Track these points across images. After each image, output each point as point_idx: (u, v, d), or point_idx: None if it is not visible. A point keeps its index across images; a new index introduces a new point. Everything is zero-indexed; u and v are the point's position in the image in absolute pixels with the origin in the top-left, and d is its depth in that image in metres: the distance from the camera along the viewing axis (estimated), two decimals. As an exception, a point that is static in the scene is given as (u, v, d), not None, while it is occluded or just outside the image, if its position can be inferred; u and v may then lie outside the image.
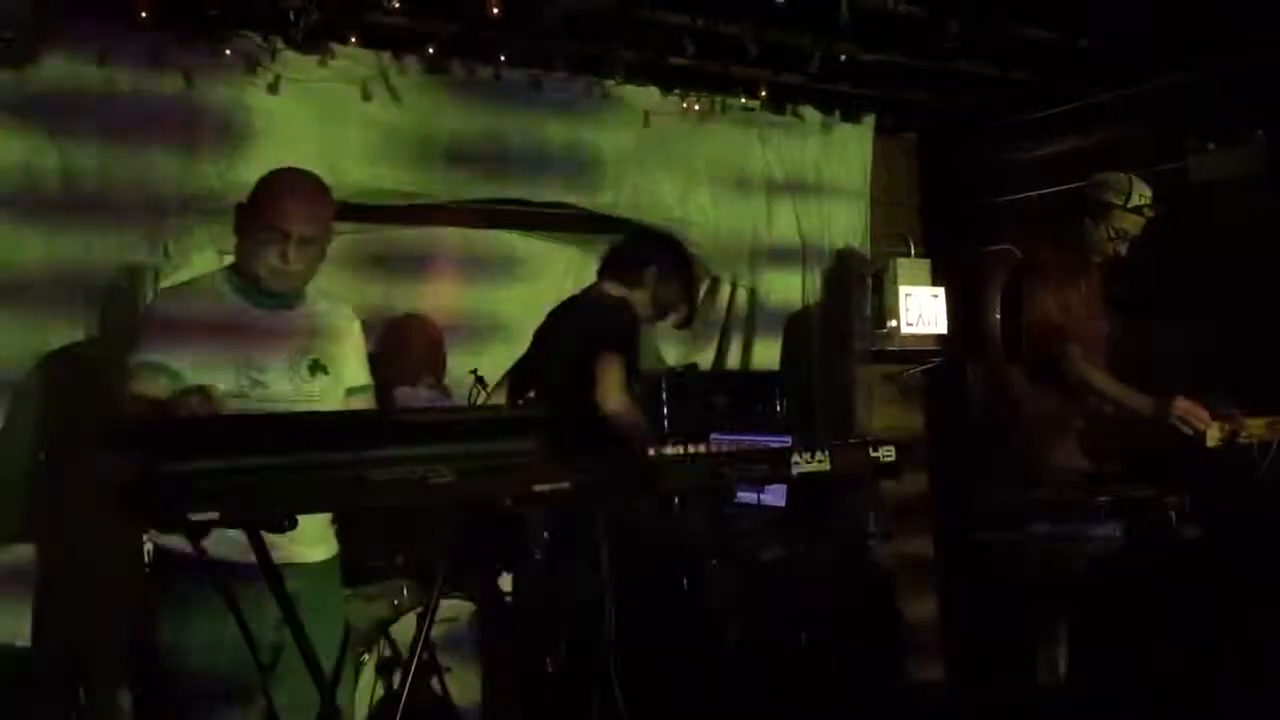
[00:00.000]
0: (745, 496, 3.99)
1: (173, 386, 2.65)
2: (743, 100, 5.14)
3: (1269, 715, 3.63)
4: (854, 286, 5.52)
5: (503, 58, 4.49)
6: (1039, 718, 3.84)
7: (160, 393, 2.63)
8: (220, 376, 2.70)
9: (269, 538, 1.99)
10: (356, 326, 3.10)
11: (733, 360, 5.39)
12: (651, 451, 2.61)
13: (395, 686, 3.53)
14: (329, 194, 2.95)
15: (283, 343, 2.85)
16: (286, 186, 2.88)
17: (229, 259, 3.00)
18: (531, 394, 4.05)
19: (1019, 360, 4.25)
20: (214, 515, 1.87)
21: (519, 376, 4.11)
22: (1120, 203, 4.14)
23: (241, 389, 2.74)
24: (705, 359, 5.36)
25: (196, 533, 1.93)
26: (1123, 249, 4.22)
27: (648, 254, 4.02)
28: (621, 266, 3.98)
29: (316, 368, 2.89)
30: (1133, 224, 4.17)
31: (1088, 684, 3.74)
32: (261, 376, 2.78)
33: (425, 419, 2.64)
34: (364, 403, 3.06)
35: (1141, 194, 4.16)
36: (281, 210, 2.80)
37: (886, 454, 2.81)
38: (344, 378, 2.97)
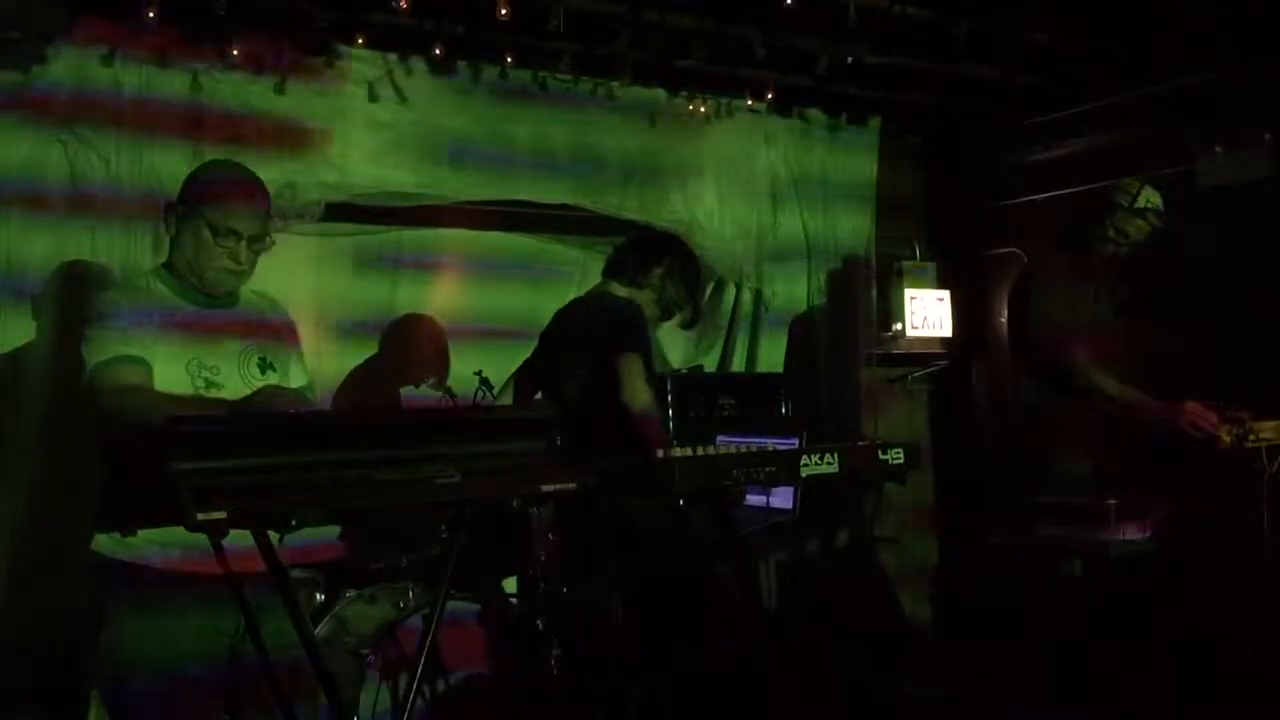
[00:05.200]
0: (754, 499, 3.98)
1: (150, 377, 2.63)
2: (749, 102, 5.14)
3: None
4: (860, 289, 5.51)
5: (509, 59, 4.48)
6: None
7: (145, 382, 2.61)
8: (173, 376, 2.67)
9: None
10: (294, 324, 3.06)
11: (738, 362, 5.38)
12: (660, 452, 2.60)
13: (401, 688, 3.51)
14: (265, 187, 2.91)
15: (228, 341, 2.81)
16: (231, 185, 2.82)
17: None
18: (538, 395, 4.03)
19: (1026, 364, 4.23)
20: (221, 515, 1.86)
21: (525, 377, 4.09)
22: (1125, 203, 4.12)
23: (197, 389, 2.70)
24: (710, 361, 5.35)
25: (215, 532, 1.90)
26: (1123, 252, 4.19)
27: (653, 254, 4.00)
28: (627, 267, 3.96)
29: (265, 365, 2.85)
30: (1135, 228, 4.14)
31: (1097, 687, 3.72)
32: (215, 377, 2.74)
33: (432, 419, 2.63)
34: (307, 404, 2.97)
35: (1149, 199, 4.13)
36: (232, 211, 2.76)
37: (896, 456, 2.78)
38: (289, 376, 2.93)
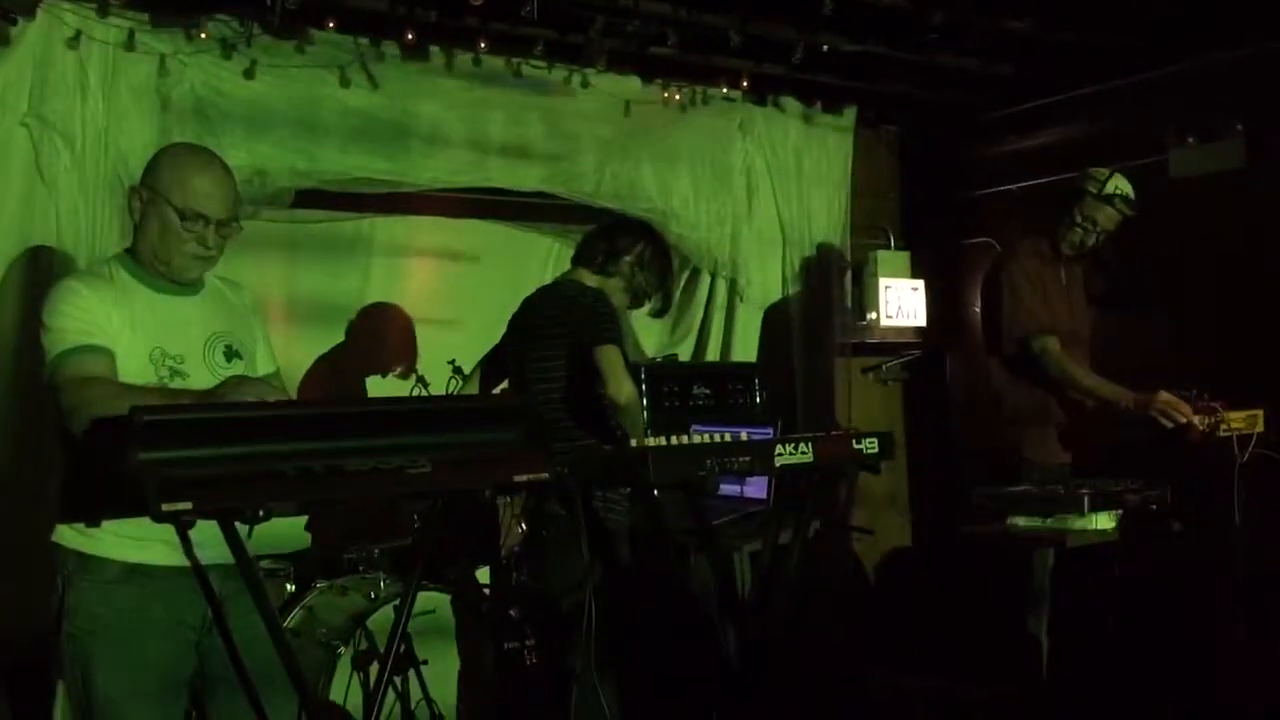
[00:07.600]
0: (728, 489, 3.96)
1: (113, 368, 2.57)
2: (724, 90, 5.12)
3: (1259, 706, 3.65)
4: (834, 278, 5.51)
5: (482, 44, 4.45)
6: (1020, 712, 3.83)
7: (108, 373, 2.55)
8: (136, 366, 2.60)
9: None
10: (260, 309, 3.00)
11: (712, 351, 5.37)
12: (634, 442, 2.58)
13: (371, 680, 3.48)
14: (232, 172, 2.83)
15: (193, 330, 2.73)
16: (198, 168, 2.73)
17: None
18: (505, 384, 4.00)
19: (998, 353, 4.23)
20: (187, 506, 1.83)
21: (492, 365, 4.06)
22: (1094, 190, 4.11)
23: (161, 379, 2.63)
24: (685, 350, 5.34)
25: (180, 523, 1.87)
26: (1091, 240, 4.18)
27: (622, 242, 3.96)
28: (596, 255, 3.92)
29: (231, 354, 2.78)
30: (1104, 216, 4.13)
31: (1070, 677, 3.73)
32: (180, 366, 2.67)
33: (402, 409, 2.60)
34: (275, 391, 2.95)
35: (1117, 186, 4.12)
36: (200, 194, 2.67)
37: (870, 446, 2.78)
38: (256, 364, 2.87)
